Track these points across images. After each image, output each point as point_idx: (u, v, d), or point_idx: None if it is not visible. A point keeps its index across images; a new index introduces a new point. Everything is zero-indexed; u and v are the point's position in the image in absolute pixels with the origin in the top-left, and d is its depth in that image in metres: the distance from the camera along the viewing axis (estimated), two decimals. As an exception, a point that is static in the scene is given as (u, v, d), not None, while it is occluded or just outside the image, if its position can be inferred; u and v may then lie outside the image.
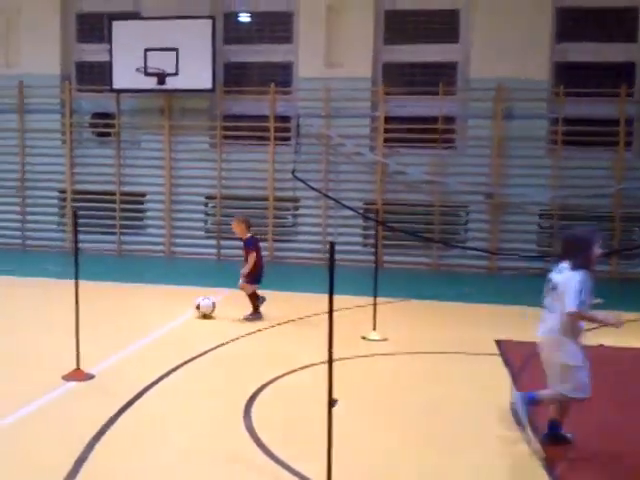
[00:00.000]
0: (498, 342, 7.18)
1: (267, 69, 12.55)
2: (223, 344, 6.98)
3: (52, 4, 12.82)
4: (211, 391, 5.68)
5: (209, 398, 5.50)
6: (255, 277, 7.98)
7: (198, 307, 7.99)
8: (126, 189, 12.85)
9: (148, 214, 13.05)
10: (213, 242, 12.58)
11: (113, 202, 12.77)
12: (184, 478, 4.17)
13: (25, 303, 8.80)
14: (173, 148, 12.62)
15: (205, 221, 13.01)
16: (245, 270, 7.88)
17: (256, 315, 7.97)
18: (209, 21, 11.87)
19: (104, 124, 13.32)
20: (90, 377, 5.82)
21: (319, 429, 3.88)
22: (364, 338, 7.22)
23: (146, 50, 11.95)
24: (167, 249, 12.74)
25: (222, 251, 12.41)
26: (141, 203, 13.04)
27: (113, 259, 12.45)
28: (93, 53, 12.99)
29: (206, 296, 8.11)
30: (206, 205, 12.91)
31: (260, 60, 12.52)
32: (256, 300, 8.00)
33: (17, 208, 13.25)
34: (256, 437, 4.70)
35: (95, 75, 13.00)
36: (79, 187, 13.03)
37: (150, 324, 7.68)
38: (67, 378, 5.74)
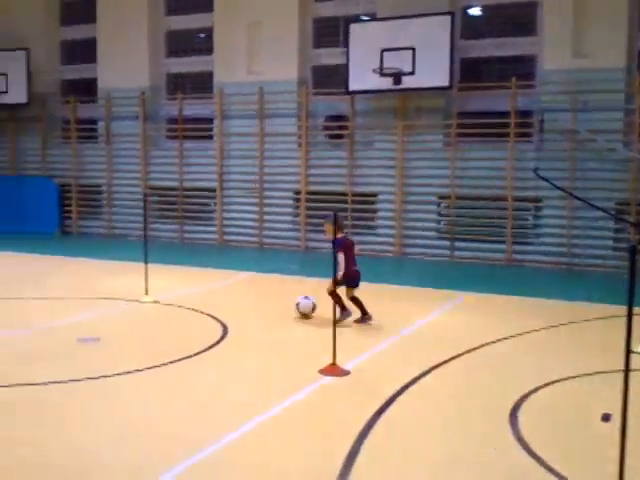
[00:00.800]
0: None
1: (506, 63, 11.99)
2: (478, 347, 6.61)
3: (291, 12, 13.31)
4: (469, 394, 5.37)
5: (469, 400, 5.21)
6: (350, 279, 7.49)
7: (298, 305, 7.72)
8: (358, 189, 12.95)
9: (379, 214, 13.03)
10: (446, 243, 12.25)
11: (345, 202, 12.92)
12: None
13: (273, 298, 9.06)
14: (406, 148, 12.48)
15: (438, 221, 12.70)
16: (339, 273, 7.31)
17: (344, 314, 7.43)
18: (447, 17, 11.57)
19: (337, 126, 13.55)
20: (346, 373, 5.75)
21: (593, 442, 3.36)
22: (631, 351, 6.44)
23: (382, 51, 11.91)
24: (398, 249, 12.62)
25: (456, 253, 12.06)
26: (372, 203, 13.06)
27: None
28: (329, 57, 13.31)
29: (306, 295, 7.78)
30: (439, 205, 12.60)
31: (500, 54, 12.00)
32: (339, 299, 7.35)
33: (256, 208, 13.90)
34: (529, 449, 4.28)
35: (330, 78, 13.29)
36: (312, 188, 13.37)
37: (395, 323, 7.54)
38: (324, 373, 5.71)
